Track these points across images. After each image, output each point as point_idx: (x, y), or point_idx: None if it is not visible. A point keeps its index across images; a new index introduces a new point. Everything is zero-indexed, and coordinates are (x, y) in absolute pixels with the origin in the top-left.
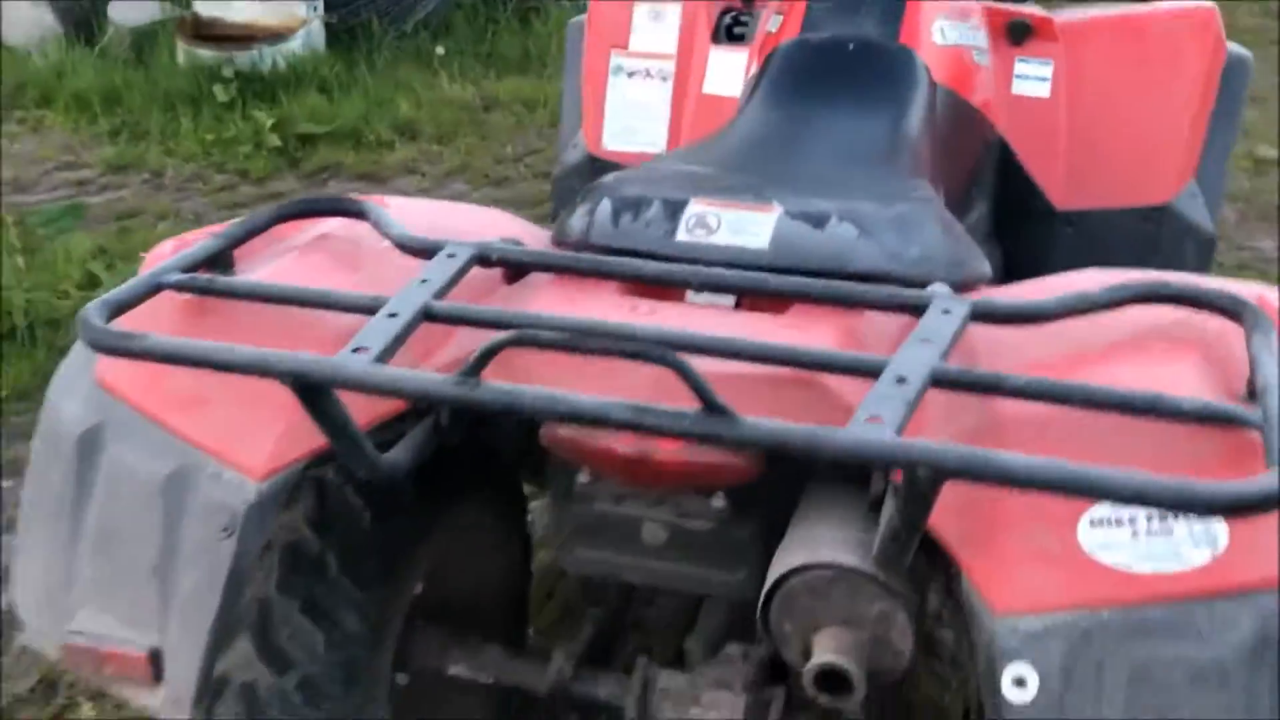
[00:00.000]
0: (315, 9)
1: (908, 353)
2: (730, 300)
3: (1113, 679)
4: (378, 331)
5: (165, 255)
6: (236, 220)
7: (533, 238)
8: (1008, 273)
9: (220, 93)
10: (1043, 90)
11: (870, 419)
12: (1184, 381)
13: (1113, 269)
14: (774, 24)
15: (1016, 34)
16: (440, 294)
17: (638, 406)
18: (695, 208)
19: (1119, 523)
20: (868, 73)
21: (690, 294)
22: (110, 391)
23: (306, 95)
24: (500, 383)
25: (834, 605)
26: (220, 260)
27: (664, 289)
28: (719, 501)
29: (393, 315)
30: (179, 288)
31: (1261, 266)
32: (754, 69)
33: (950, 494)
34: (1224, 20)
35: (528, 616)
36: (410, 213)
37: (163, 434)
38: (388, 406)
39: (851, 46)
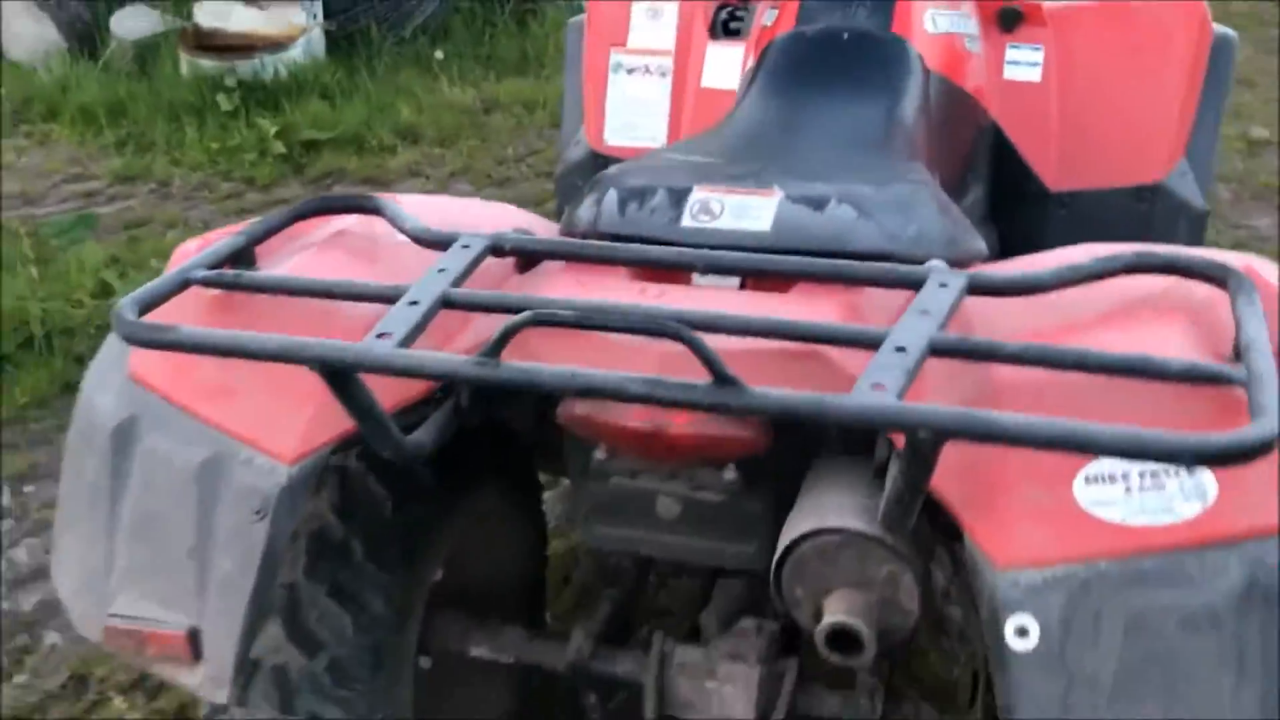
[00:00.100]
0: (315, 17)
1: (907, 324)
2: (735, 282)
3: (1110, 626)
4: (399, 318)
5: (191, 253)
6: (257, 219)
7: (543, 229)
8: (1004, 254)
9: (224, 102)
10: (1034, 75)
11: (873, 386)
12: (1172, 344)
13: (1104, 244)
14: (769, 18)
15: (1007, 21)
16: (457, 282)
17: (651, 380)
18: (699, 194)
19: (1113, 479)
20: (862, 62)
21: (696, 277)
22: (143, 385)
23: (309, 102)
24: (519, 362)
25: (843, 568)
26: (243, 257)
27: (671, 273)
28: (730, 473)
29: (413, 303)
30: (205, 283)
31: (1257, 245)
32: (751, 62)
33: (950, 457)
34: (1219, 4)
35: (545, 601)
36: (423, 208)
37: (195, 423)
38: (410, 391)
39: (845, 37)
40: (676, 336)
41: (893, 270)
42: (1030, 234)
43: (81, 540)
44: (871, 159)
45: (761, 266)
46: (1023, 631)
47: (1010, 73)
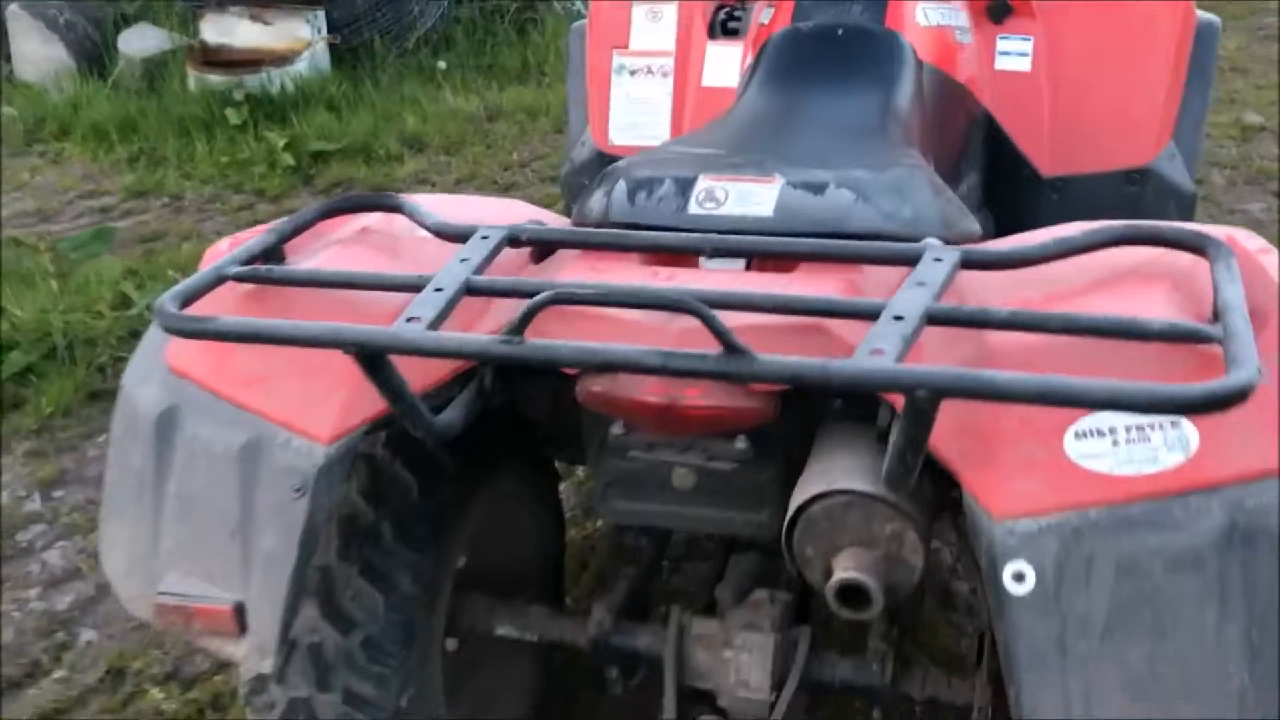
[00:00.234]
0: (319, 31)
1: (904, 295)
2: (741, 264)
3: (1101, 570)
4: (426, 304)
5: (223, 252)
6: (285, 218)
7: (554, 222)
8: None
9: (232, 116)
10: (1024, 65)
11: (873, 352)
12: (1154, 308)
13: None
14: (766, 16)
15: (997, 13)
16: (478, 271)
17: (666, 352)
18: (704, 183)
19: (1101, 434)
20: (857, 55)
21: (703, 260)
22: (182, 375)
23: (316, 114)
24: (541, 340)
25: (850, 528)
26: (273, 254)
27: (679, 258)
28: (741, 444)
29: (438, 290)
30: (239, 279)
31: (1252, 229)
32: (749, 60)
33: (948, 417)
34: None
35: (563, 586)
36: (441, 205)
37: (234, 410)
38: (437, 374)
39: (840, 32)
40: (690, 310)
41: (890, 248)
42: (1025, 219)
43: (128, 525)
44: (868, 146)
45: (766, 248)
46: (1019, 577)
47: (1001, 63)
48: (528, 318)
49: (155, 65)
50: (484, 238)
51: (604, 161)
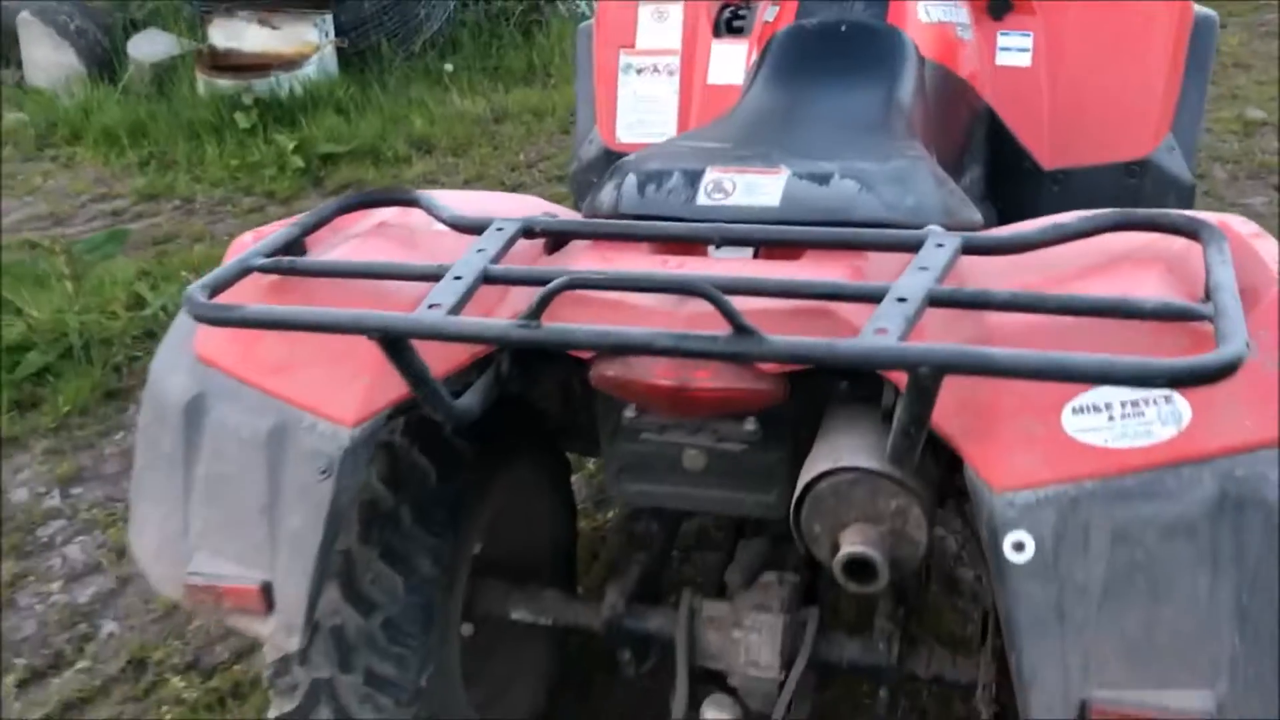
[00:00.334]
0: (327, 35)
1: (907, 279)
2: (748, 253)
3: (1098, 538)
4: (446, 291)
5: (247, 244)
6: (306, 213)
7: (567, 216)
8: None
9: (242, 120)
10: (1024, 60)
11: (877, 331)
12: (1148, 289)
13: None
14: (770, 14)
15: (997, 9)
16: (495, 260)
17: (678, 334)
18: (712, 175)
19: (1097, 409)
20: (860, 51)
21: (712, 249)
22: (209, 364)
23: (324, 117)
24: (557, 324)
25: (857, 504)
26: (295, 247)
27: (689, 247)
28: (750, 425)
29: (457, 278)
30: (264, 270)
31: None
32: (754, 57)
33: (949, 395)
34: None
35: (576, 573)
36: (455, 200)
37: (260, 396)
38: (456, 360)
39: (844, 29)
40: (701, 293)
41: (894, 234)
42: (1026, 211)
43: (158, 509)
44: (871, 139)
45: (773, 237)
46: (1019, 546)
47: (1002, 59)
48: (544, 302)
49: (164, 70)
50: (499, 229)
51: (612, 159)
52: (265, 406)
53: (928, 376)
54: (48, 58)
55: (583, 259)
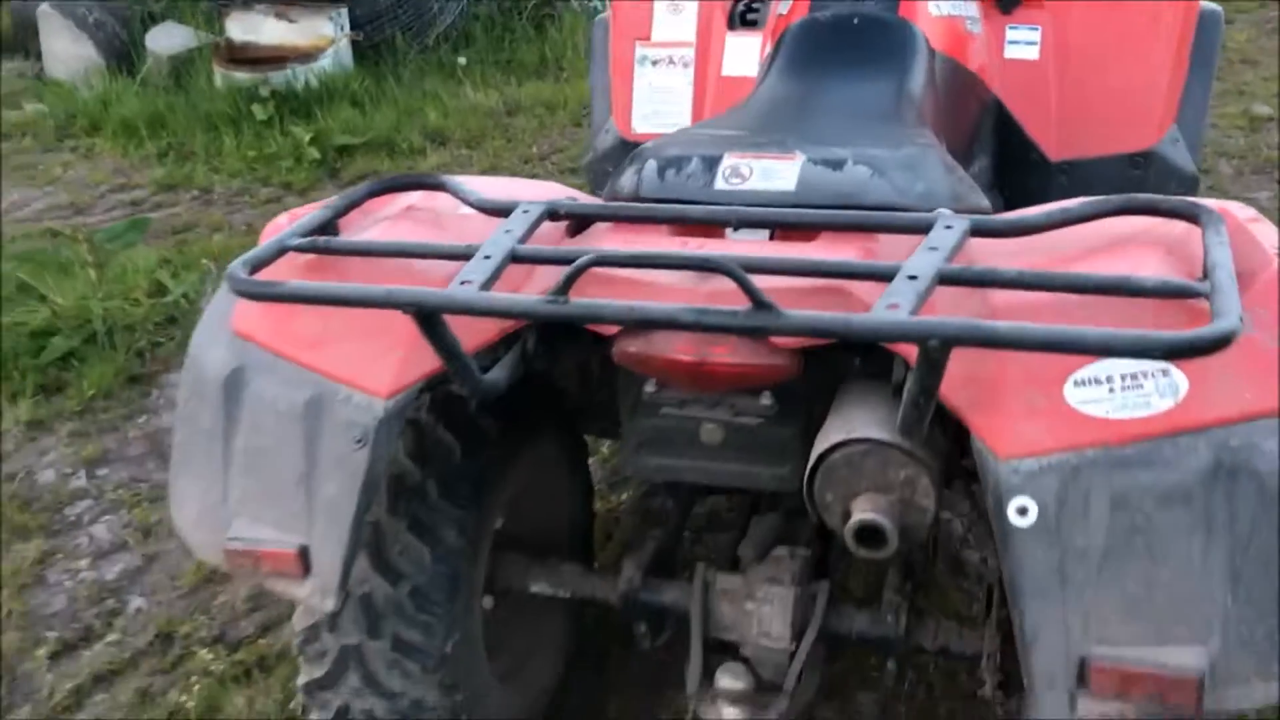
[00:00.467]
0: (342, 28)
1: (918, 258)
2: (764, 235)
3: (1098, 503)
4: (476, 269)
5: (282, 226)
6: (336, 196)
7: (588, 200)
8: None
9: (259, 111)
10: (1032, 53)
11: (889, 306)
12: (1149, 268)
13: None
14: (784, 7)
15: (1006, 3)
16: (521, 241)
17: (699, 309)
18: (729, 160)
19: (1098, 381)
20: (872, 43)
21: (729, 232)
22: (247, 339)
23: (340, 109)
24: (584, 299)
25: (868, 474)
26: (328, 228)
27: (707, 229)
28: (766, 399)
29: (487, 257)
30: (300, 249)
31: None
32: (768, 49)
33: (957, 369)
34: None
35: (593, 550)
36: (481, 185)
37: (297, 369)
38: (484, 335)
39: (856, 21)
40: (724, 270)
41: (905, 217)
42: (1033, 201)
43: (198, 479)
44: (883, 127)
45: (789, 219)
46: (1023, 511)
47: (1010, 52)
48: (573, 278)
49: (182, 63)
50: (525, 212)
51: (627, 149)
52: (302, 379)
53: (937, 349)
54: (67, 50)
55: (605, 241)
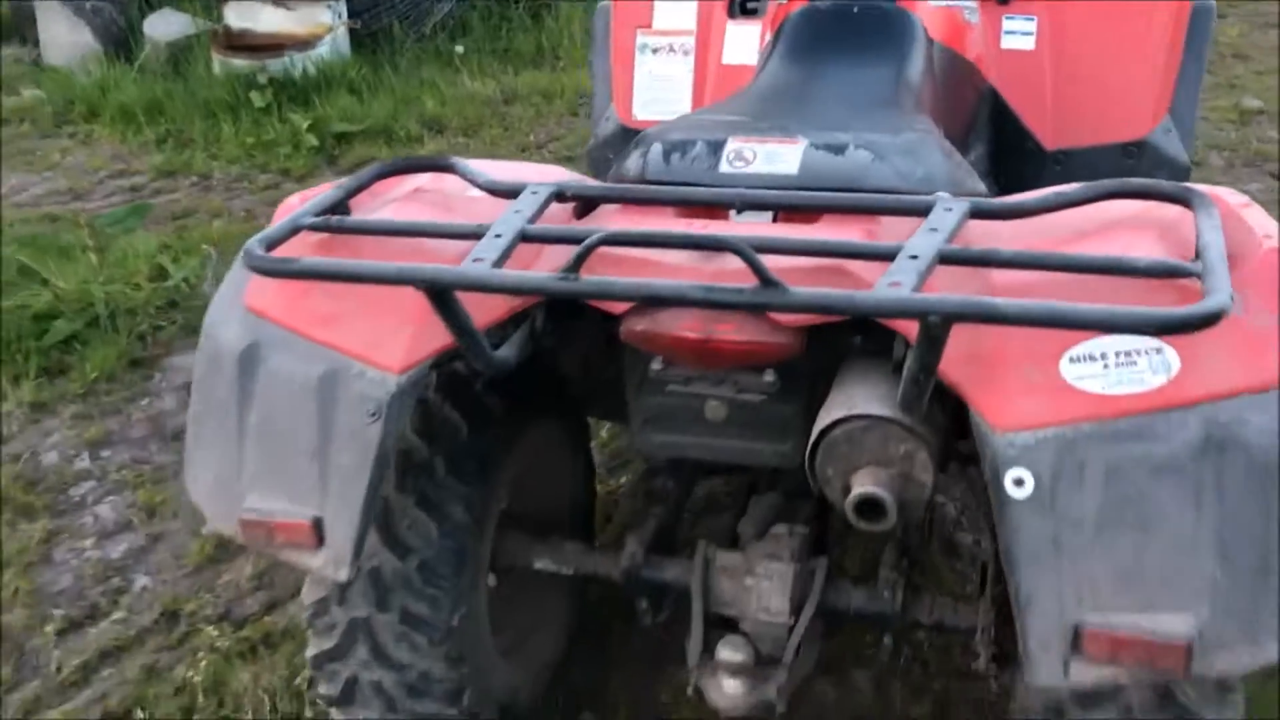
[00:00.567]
0: (340, 16)
1: (918, 238)
2: (768, 217)
3: (1092, 476)
4: (488, 248)
5: (294, 206)
6: (348, 177)
7: (594, 182)
8: None
9: (257, 99)
10: (1028, 44)
11: (891, 284)
12: (1142, 249)
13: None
14: None
15: None
16: (531, 221)
17: (707, 286)
18: (733, 144)
19: (1093, 358)
20: (871, 32)
21: (733, 214)
22: (261, 315)
23: (338, 97)
24: (595, 276)
25: (868, 448)
26: (339, 208)
27: (712, 211)
28: (769, 376)
29: (498, 236)
30: (314, 228)
31: None
32: (768, 37)
33: (956, 346)
34: None
35: (594, 530)
36: (488, 168)
37: (310, 345)
38: (495, 313)
39: (855, 10)
40: (732, 248)
41: (906, 200)
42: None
43: (213, 452)
44: (883, 113)
45: (792, 201)
46: (1019, 482)
47: (1007, 42)
48: (584, 256)
49: (180, 49)
50: (534, 193)
51: (628, 136)
52: (316, 355)
53: (937, 325)
54: (65, 36)
55: (612, 222)
